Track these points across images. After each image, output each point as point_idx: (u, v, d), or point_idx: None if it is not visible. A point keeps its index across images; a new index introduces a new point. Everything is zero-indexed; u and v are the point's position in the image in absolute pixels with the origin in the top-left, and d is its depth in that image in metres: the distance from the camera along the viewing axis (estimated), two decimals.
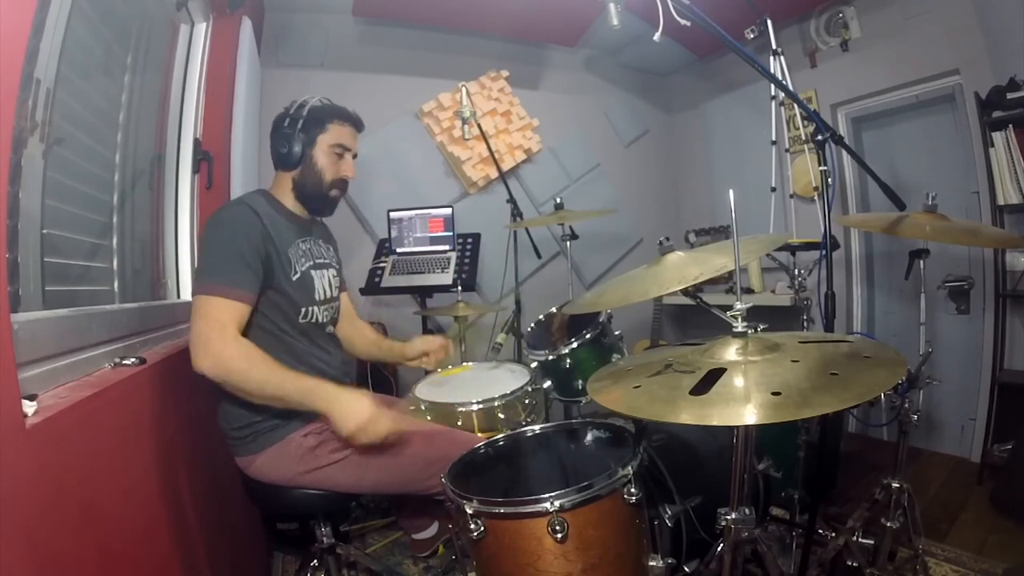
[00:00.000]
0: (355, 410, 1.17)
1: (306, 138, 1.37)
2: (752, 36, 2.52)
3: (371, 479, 1.32)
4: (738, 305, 0.90)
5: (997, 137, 2.20)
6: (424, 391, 1.73)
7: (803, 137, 2.96)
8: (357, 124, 1.45)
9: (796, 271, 2.19)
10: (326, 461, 1.28)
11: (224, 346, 1.12)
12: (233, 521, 1.71)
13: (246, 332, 1.22)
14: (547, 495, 0.96)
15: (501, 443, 1.32)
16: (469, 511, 1.02)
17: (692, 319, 3.79)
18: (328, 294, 1.44)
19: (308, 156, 1.38)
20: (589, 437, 1.31)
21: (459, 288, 2.23)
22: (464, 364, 2.01)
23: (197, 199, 1.84)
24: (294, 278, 1.32)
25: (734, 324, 0.90)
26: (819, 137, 1.31)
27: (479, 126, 2.31)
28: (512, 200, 2.49)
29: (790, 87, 2.21)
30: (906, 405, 1.39)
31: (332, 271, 1.49)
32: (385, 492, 1.44)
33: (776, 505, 1.72)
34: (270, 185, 1.45)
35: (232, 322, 1.16)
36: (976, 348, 2.47)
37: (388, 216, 2.60)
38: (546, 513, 0.96)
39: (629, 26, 1.24)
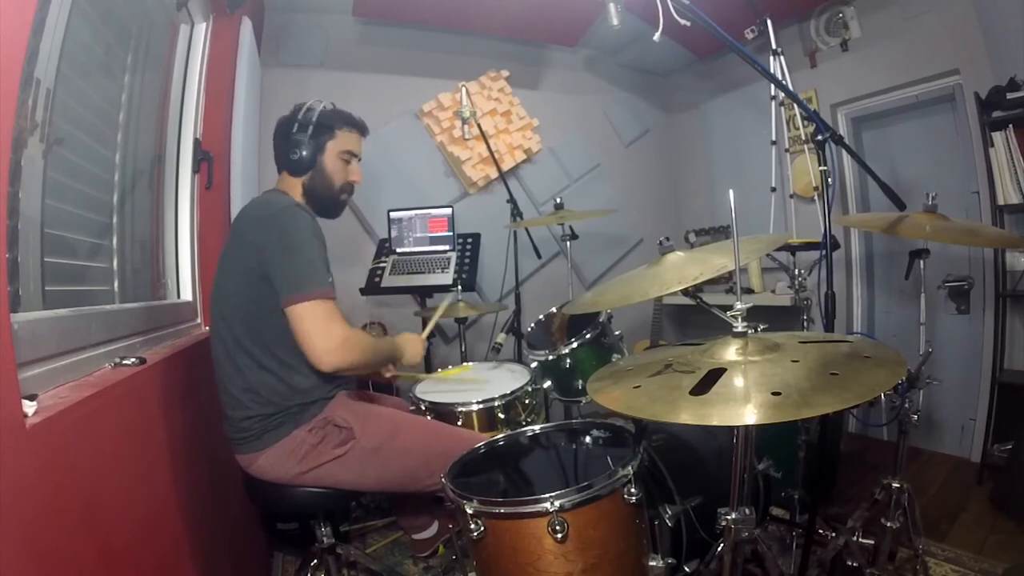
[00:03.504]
0: (412, 349, 1.48)
1: (316, 144, 1.40)
2: (752, 36, 2.52)
3: (372, 476, 1.32)
4: (738, 305, 0.90)
5: (997, 137, 2.20)
6: (424, 391, 1.73)
7: (803, 137, 2.96)
8: (363, 130, 1.49)
9: (796, 271, 2.19)
10: (328, 457, 1.29)
11: (345, 333, 1.23)
12: (233, 521, 1.71)
13: (287, 333, 1.25)
14: (547, 495, 0.96)
15: (501, 443, 1.32)
16: (469, 511, 1.02)
17: (692, 319, 3.79)
18: None
19: (318, 162, 1.41)
20: (589, 437, 1.31)
21: (459, 288, 2.23)
22: (464, 364, 2.01)
23: (197, 199, 1.84)
24: (329, 282, 1.35)
25: (734, 324, 0.90)
26: (819, 137, 1.31)
27: (479, 126, 2.31)
28: (512, 200, 2.49)
29: (790, 87, 2.21)
30: (906, 405, 1.39)
31: None
32: (386, 490, 1.44)
33: (776, 505, 1.72)
34: (276, 187, 1.45)
35: (340, 316, 1.24)
36: (976, 348, 2.47)
37: (388, 216, 2.60)
38: (546, 513, 0.96)
39: (629, 26, 1.24)
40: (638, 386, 0.89)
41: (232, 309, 1.30)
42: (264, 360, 1.28)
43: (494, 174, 3.05)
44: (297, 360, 1.30)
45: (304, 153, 1.38)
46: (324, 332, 1.20)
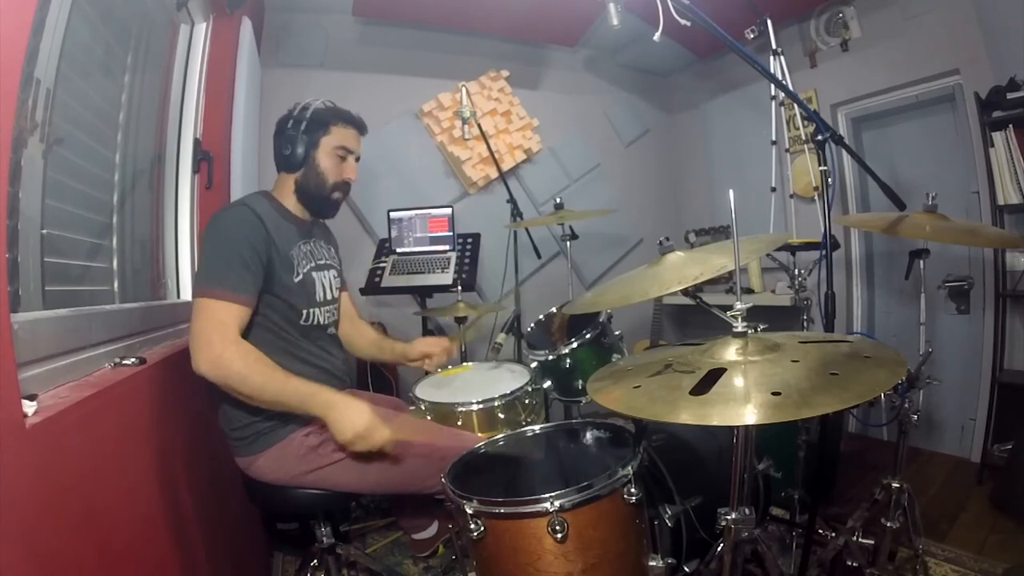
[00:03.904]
0: (353, 418, 1.17)
1: (309, 140, 1.37)
2: (752, 36, 2.52)
3: (372, 478, 1.32)
4: (738, 305, 0.90)
5: (997, 137, 2.20)
6: (424, 391, 1.73)
7: (803, 137, 2.96)
8: (360, 127, 1.45)
9: (796, 271, 2.19)
10: (327, 461, 1.28)
11: (224, 348, 1.12)
12: (233, 521, 1.71)
13: (248, 334, 1.22)
14: (547, 495, 0.96)
15: (501, 443, 1.32)
16: (469, 511, 1.02)
17: (692, 319, 3.79)
18: (329, 295, 1.45)
19: (311, 158, 1.38)
20: (589, 437, 1.31)
21: (459, 288, 2.23)
22: (464, 364, 2.01)
23: (197, 199, 1.84)
24: (296, 280, 1.32)
25: (734, 324, 0.90)
26: (819, 137, 1.31)
27: (479, 126, 2.31)
28: (512, 200, 2.49)
29: (790, 87, 2.21)
30: (906, 405, 1.39)
31: (333, 272, 1.50)
32: (386, 492, 1.44)
33: (776, 505, 1.72)
34: (272, 186, 1.45)
35: (233, 324, 1.15)
36: (976, 348, 2.47)
37: (388, 216, 2.60)
38: (546, 513, 0.96)
39: (629, 26, 1.24)
40: (638, 386, 0.89)
41: None
42: None
43: (494, 174, 3.05)
44: (296, 364, 1.30)
45: (298, 149, 1.36)
46: (202, 335, 1.11)
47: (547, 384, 1.81)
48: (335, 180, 1.41)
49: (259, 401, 1.17)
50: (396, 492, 1.46)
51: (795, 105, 1.80)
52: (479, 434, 1.52)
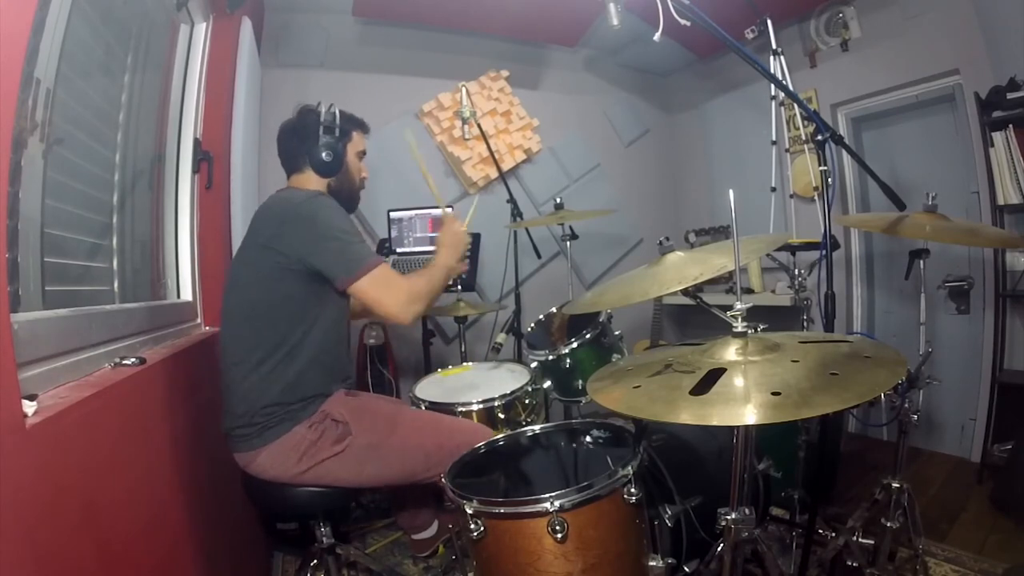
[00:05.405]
0: (455, 247, 1.59)
1: (341, 146, 1.48)
2: (752, 36, 2.52)
3: (371, 472, 1.33)
4: (738, 305, 0.90)
5: (997, 137, 2.20)
6: (424, 391, 1.73)
7: (803, 137, 2.96)
8: (367, 130, 1.60)
9: (796, 271, 2.20)
10: (326, 454, 1.30)
11: (409, 290, 1.34)
12: (233, 521, 1.71)
13: (325, 316, 1.34)
14: (547, 495, 0.96)
15: (501, 443, 1.32)
16: (469, 511, 1.02)
17: (692, 319, 3.79)
18: None
19: (344, 163, 1.50)
20: (589, 437, 1.31)
21: (459, 288, 2.23)
22: (464, 364, 2.01)
23: (197, 199, 1.84)
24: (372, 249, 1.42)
25: (734, 324, 0.90)
26: (819, 137, 1.31)
27: (479, 126, 2.31)
28: (512, 200, 2.49)
29: (790, 87, 2.21)
30: (906, 405, 1.39)
31: None
32: (386, 484, 1.45)
33: (776, 505, 1.72)
34: (289, 186, 1.50)
35: (395, 274, 1.35)
36: (976, 348, 2.47)
37: (388, 216, 2.60)
38: (546, 513, 0.96)
39: (629, 26, 1.25)
40: (638, 386, 0.89)
41: (244, 301, 1.33)
42: (276, 353, 1.31)
43: (494, 174, 3.05)
44: (301, 352, 1.32)
45: (337, 156, 1.46)
46: (392, 295, 1.32)
47: (547, 384, 1.81)
48: (359, 180, 1.57)
49: (439, 291, 1.48)
50: (394, 484, 1.47)
51: (795, 105, 1.80)
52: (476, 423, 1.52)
